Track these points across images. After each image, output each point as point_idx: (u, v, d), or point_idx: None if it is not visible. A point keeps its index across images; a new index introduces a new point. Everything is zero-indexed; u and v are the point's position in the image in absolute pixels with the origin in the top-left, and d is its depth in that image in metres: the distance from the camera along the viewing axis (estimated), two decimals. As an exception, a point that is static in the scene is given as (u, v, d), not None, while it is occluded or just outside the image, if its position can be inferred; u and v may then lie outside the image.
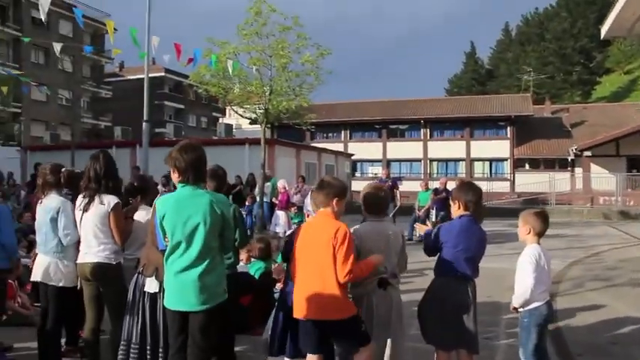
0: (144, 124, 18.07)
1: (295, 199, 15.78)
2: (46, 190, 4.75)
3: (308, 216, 4.84)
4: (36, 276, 4.71)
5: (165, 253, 3.66)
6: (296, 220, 13.40)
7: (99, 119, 48.68)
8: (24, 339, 5.41)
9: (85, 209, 4.38)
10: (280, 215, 13.76)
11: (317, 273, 3.69)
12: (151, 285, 3.93)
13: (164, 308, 3.77)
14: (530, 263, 4.02)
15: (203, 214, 3.54)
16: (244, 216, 15.46)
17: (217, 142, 25.56)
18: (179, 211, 3.59)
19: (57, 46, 13.75)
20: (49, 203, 4.70)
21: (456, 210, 4.32)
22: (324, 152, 28.29)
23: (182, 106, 55.24)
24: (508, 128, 40.33)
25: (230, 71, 15.51)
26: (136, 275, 4.20)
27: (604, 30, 22.51)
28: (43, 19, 11.03)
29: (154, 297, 3.94)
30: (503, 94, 53.93)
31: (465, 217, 4.26)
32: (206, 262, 3.55)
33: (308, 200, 4.82)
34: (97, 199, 4.34)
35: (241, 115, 20.02)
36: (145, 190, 4.87)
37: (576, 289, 8.98)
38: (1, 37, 36.93)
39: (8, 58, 40.26)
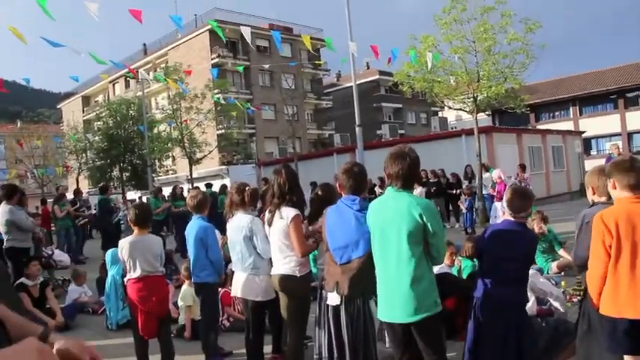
0: (357, 128, 18.71)
1: (517, 189, 14.81)
2: (233, 209, 5.03)
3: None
4: (236, 292, 5.00)
5: (373, 258, 3.67)
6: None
7: (322, 129, 51.67)
8: (243, 345, 5.76)
9: (270, 223, 4.51)
10: (498, 207, 12.90)
11: None
12: (332, 298, 3.88)
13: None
14: None
15: (400, 219, 3.44)
16: (465, 211, 15.03)
17: (433, 137, 25.13)
18: (378, 215, 3.60)
19: (265, 67, 14.96)
20: (239, 222, 4.95)
21: None
22: (549, 134, 26.10)
23: (399, 105, 55.86)
24: None
25: (429, 64, 15.14)
26: (320, 289, 4.19)
27: None
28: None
29: (336, 310, 3.88)
30: None
31: None
32: (411, 270, 3.41)
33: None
34: (277, 213, 4.43)
35: (450, 107, 19.43)
36: (331, 201, 4.72)
37: None
38: (233, 68, 41.25)
39: (241, 86, 44.95)
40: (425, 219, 3.38)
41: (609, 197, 3.73)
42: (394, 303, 3.45)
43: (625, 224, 3.32)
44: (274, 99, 41.27)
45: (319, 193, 5.00)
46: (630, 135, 37.59)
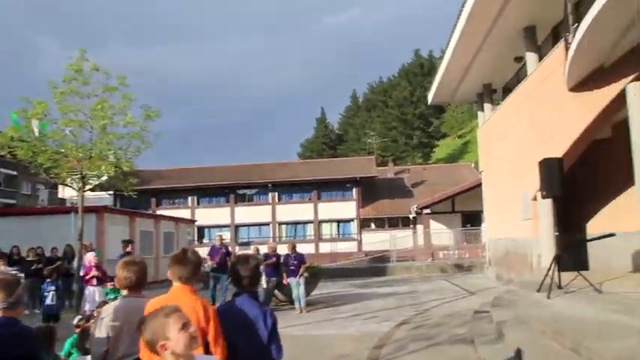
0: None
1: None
2: None
3: None
4: None
5: None
6: (111, 296, 11.89)
7: None
8: None
9: None
10: (91, 292, 12.06)
11: None
12: None
13: None
14: None
15: None
16: (46, 294, 12.82)
17: (39, 211, 23.21)
18: None
19: None
20: None
21: None
22: (163, 219, 26.81)
23: (15, 173, 50.57)
24: (354, 189, 41.58)
25: (36, 132, 14.00)
26: None
27: (430, 96, 24.15)
28: None
29: None
30: (351, 157, 56.18)
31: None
32: None
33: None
34: None
35: (56, 182, 18.23)
36: None
37: (398, 353, 8.64)
38: None
39: None
40: None
41: (129, 290, 3.79)
42: None
43: None
44: None
45: None
46: (237, 227, 41.69)
